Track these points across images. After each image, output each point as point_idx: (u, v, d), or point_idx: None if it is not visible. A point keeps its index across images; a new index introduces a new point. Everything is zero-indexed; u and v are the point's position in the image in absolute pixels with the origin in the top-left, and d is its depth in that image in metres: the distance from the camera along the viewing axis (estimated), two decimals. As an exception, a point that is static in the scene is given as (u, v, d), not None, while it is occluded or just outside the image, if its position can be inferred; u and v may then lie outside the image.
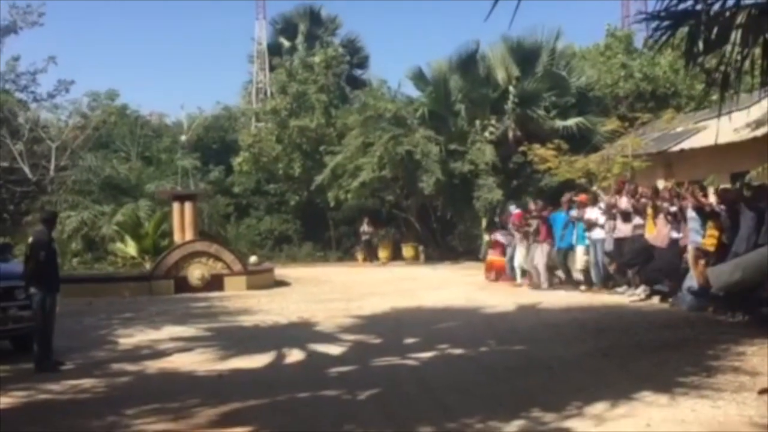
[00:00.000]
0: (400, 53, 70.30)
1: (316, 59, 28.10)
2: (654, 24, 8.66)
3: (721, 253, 10.06)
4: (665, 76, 26.71)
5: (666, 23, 8.54)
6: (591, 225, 14.06)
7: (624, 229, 13.20)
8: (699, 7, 8.08)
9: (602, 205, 14.24)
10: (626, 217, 13.19)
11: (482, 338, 9.43)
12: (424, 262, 24.53)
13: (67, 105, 27.21)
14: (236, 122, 36.99)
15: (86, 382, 7.53)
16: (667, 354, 7.98)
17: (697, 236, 10.86)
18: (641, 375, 7.01)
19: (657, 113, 23.75)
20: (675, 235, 11.71)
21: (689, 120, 19.92)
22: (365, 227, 26.15)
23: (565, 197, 15.41)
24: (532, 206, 16.38)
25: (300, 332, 10.45)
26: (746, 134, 16.08)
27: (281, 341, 9.49)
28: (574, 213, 14.69)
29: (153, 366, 8.39)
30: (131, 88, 76.58)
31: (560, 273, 15.16)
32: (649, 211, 12.53)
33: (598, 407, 5.93)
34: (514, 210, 16.85)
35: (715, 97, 24.22)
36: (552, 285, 14.95)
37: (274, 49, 41.29)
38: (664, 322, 10.11)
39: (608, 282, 14.01)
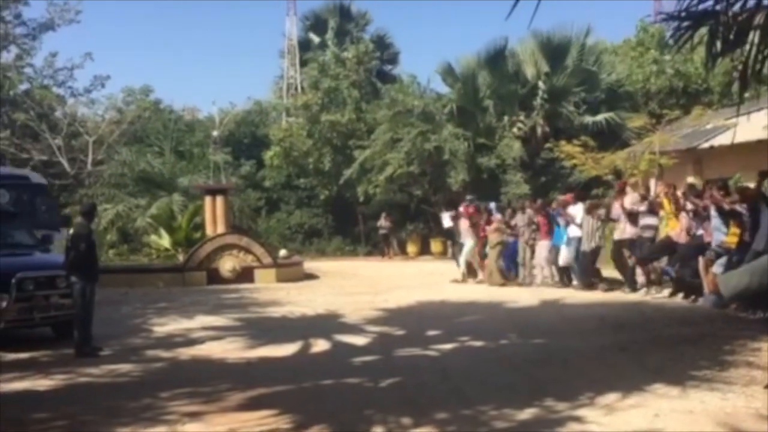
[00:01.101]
0: (430, 49, 70.46)
1: (349, 54, 28.40)
2: (675, 24, 8.82)
3: (743, 251, 10.19)
4: (697, 73, 26.51)
5: (686, 23, 8.66)
6: (570, 223, 14.14)
7: (630, 231, 13.19)
8: (719, 7, 8.21)
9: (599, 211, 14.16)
10: (633, 218, 13.19)
11: (503, 331, 9.67)
12: (452, 257, 24.70)
13: (104, 100, 27.96)
14: (267, 117, 37.48)
15: (123, 367, 7.93)
16: (684, 348, 8.16)
17: (721, 235, 10.98)
18: (655, 368, 7.20)
19: (688, 109, 23.68)
20: (698, 231, 11.80)
21: (720, 117, 19.83)
22: (383, 222, 26.35)
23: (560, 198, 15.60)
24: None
25: (326, 323, 10.77)
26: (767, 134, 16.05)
27: (308, 332, 9.82)
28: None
29: (186, 353, 8.77)
30: (164, 84, 77.96)
31: (554, 270, 15.10)
32: (669, 208, 12.60)
33: (610, 397, 6.15)
34: (493, 208, 16.76)
35: (746, 94, 23.95)
36: (545, 282, 14.98)
37: (304, 45, 41.69)
38: (684, 318, 10.27)
39: (591, 281, 14.00)
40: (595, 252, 13.99)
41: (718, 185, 11.99)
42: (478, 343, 8.91)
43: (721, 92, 26.27)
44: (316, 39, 40.81)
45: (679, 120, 20.65)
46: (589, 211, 13.89)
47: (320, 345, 9.10)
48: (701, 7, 8.50)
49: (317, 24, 40.54)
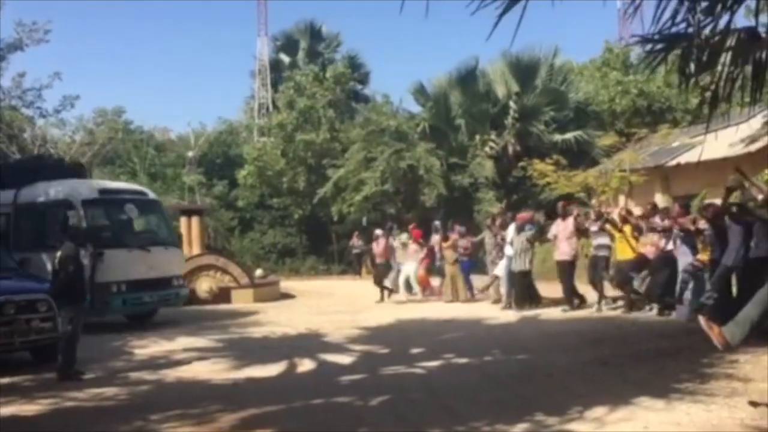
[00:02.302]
0: (400, 69, 71.15)
1: (327, 75, 28.61)
2: (648, 46, 9.09)
3: (714, 267, 10.48)
4: (660, 92, 27.17)
5: (659, 46, 8.93)
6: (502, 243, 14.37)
7: (567, 252, 13.38)
8: (691, 30, 8.48)
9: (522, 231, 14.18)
10: (571, 239, 13.44)
11: (485, 348, 9.78)
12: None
13: (74, 121, 27.66)
14: (237, 137, 37.45)
15: (108, 390, 7.87)
16: (664, 362, 8.34)
17: (688, 257, 11.24)
18: (639, 382, 7.35)
19: (653, 128, 24.25)
20: (667, 246, 12.01)
21: (686, 135, 20.33)
22: (354, 241, 26.42)
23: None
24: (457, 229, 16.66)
25: (309, 343, 10.79)
26: (740, 149, 16.51)
27: (292, 351, 9.83)
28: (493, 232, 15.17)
29: (170, 375, 8.74)
30: (134, 104, 77.38)
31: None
32: (626, 229, 12.79)
33: (598, 411, 6.27)
34: (459, 230, 16.70)
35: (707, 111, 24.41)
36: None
37: (275, 65, 41.87)
38: (662, 332, 10.45)
39: (524, 301, 13.92)
40: (526, 274, 13.90)
41: (680, 205, 12.26)
42: (463, 360, 9.01)
43: (686, 110, 26.94)
44: (286, 59, 40.99)
45: (647, 138, 21.11)
46: (519, 230, 13.92)
47: (305, 364, 9.13)
48: (674, 29, 8.79)
49: (288, 44, 40.74)
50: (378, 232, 18.14)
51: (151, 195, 15.46)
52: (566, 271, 13.53)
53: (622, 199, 19.52)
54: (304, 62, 38.67)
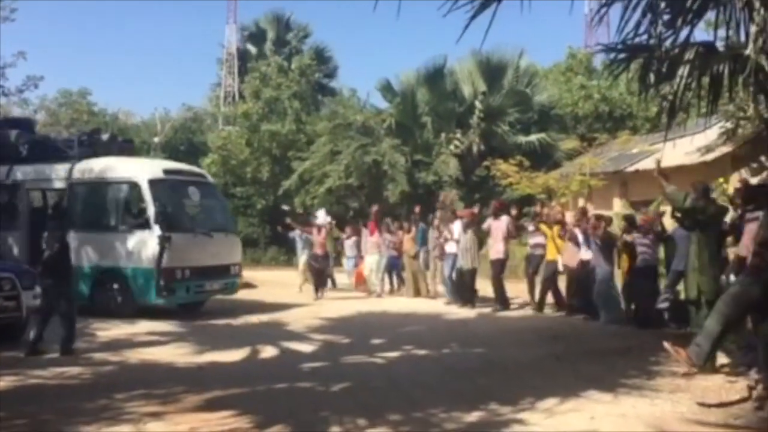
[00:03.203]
0: (368, 64, 71.26)
1: (292, 66, 28.64)
2: (612, 55, 9.43)
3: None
4: (622, 98, 27.84)
5: (622, 55, 9.26)
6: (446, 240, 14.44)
7: (500, 251, 13.52)
8: (652, 41, 8.81)
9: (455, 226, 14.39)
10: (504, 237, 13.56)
11: (444, 341, 10.04)
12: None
13: (36, 101, 27.27)
14: (202, 124, 37.28)
15: (72, 370, 7.96)
16: (614, 359, 8.69)
17: (603, 267, 11.65)
18: (589, 377, 7.68)
19: (614, 134, 24.89)
20: (585, 256, 12.20)
21: (645, 142, 20.90)
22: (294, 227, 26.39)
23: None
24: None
25: (271, 331, 10.95)
26: (696, 158, 17.07)
27: (254, 339, 9.97)
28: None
29: (133, 357, 8.85)
30: (100, 87, 76.19)
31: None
32: (553, 232, 13.07)
33: (549, 402, 6.58)
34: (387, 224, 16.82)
35: (666, 120, 25.08)
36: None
37: (243, 54, 41.76)
38: (614, 332, 10.81)
39: (463, 297, 14.03)
40: (473, 272, 13.92)
41: (596, 216, 12.50)
42: (422, 352, 9.26)
43: (646, 118, 27.63)
44: (254, 49, 40.90)
45: (608, 144, 21.65)
46: (466, 227, 13.95)
47: (268, 351, 9.31)
48: (636, 40, 9.12)
49: (256, 34, 40.66)
50: (320, 219, 17.35)
51: (210, 178, 14.96)
52: (498, 270, 13.64)
53: (581, 202, 19.98)
54: (271, 52, 38.63)
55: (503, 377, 7.78)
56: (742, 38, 8.10)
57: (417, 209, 16.62)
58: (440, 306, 14.28)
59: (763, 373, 6.23)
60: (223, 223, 13.72)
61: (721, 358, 7.86)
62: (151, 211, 11.83)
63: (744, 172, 15.93)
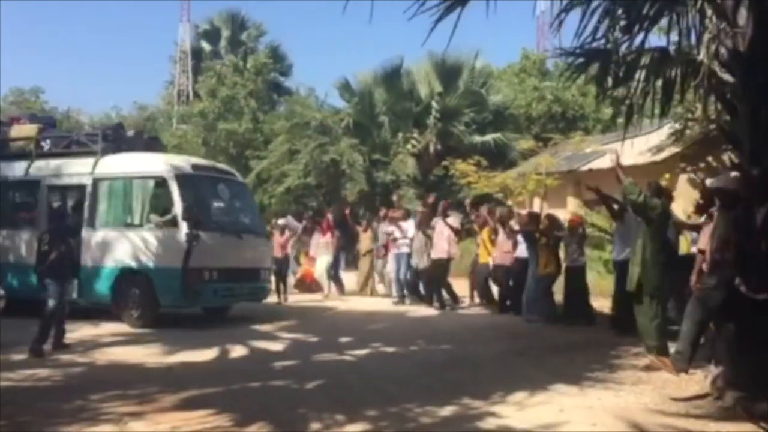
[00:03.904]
0: (324, 63, 71.22)
1: (248, 65, 28.54)
2: (570, 59, 9.74)
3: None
4: (574, 100, 28.48)
5: (580, 60, 9.56)
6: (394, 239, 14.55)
7: (445, 250, 13.53)
8: (609, 46, 9.12)
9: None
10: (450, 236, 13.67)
11: (410, 338, 10.24)
12: (345, 268, 25.22)
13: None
14: (155, 123, 36.86)
15: (41, 372, 7.89)
16: (575, 354, 9.00)
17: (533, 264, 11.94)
18: (553, 370, 7.96)
19: (567, 134, 25.46)
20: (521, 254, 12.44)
21: (597, 142, 21.44)
22: None
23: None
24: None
25: (238, 330, 10.97)
26: (648, 158, 17.61)
27: (222, 338, 9.98)
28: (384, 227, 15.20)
29: (101, 358, 8.79)
30: (53, 86, 74.58)
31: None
32: (484, 232, 13.34)
33: (518, 396, 6.82)
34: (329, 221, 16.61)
35: (621, 121, 25.81)
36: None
37: (197, 53, 41.42)
38: (572, 328, 11.12)
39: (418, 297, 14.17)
40: (431, 270, 13.85)
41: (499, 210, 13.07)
42: (390, 349, 9.44)
43: (597, 119, 28.33)
44: (208, 47, 40.61)
45: (562, 144, 22.15)
46: (419, 226, 14.00)
47: (237, 351, 9.36)
48: (594, 44, 9.43)
49: (210, 32, 40.39)
50: (281, 221, 16.99)
51: (239, 177, 14.35)
52: (446, 269, 13.77)
53: (537, 201, 20.41)
54: (226, 51, 38.44)
55: (471, 372, 8.00)
56: (694, 42, 8.49)
57: (384, 212, 16.37)
58: (394, 306, 14.35)
59: (722, 367, 6.55)
60: (253, 225, 13.07)
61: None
62: (178, 208, 11.17)
63: (691, 171, 16.50)
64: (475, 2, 8.44)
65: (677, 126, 16.70)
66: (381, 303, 14.75)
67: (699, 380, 7.17)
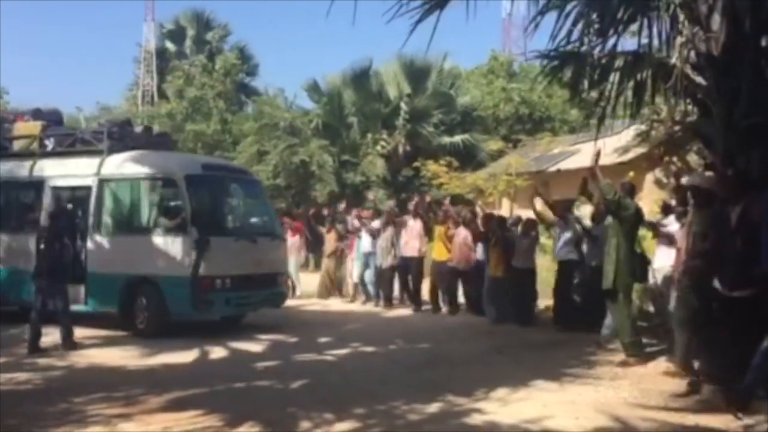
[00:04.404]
0: (291, 63, 71.00)
1: (217, 65, 28.36)
2: (545, 62, 9.92)
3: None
4: (541, 101, 28.84)
5: (555, 62, 9.74)
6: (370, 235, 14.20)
7: (416, 248, 13.43)
8: (583, 49, 9.31)
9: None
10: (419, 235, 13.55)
11: (388, 338, 10.31)
12: (314, 270, 25.23)
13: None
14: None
15: (20, 376, 7.81)
16: (552, 351, 9.18)
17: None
18: (532, 367, 8.12)
19: (534, 135, 25.83)
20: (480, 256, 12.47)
21: (566, 143, 21.77)
22: None
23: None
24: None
25: (216, 331, 10.87)
26: (614, 159, 17.93)
27: (200, 339, 9.93)
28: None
29: (80, 361, 8.73)
30: (14, 86, 73.22)
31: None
32: (441, 229, 13.19)
33: (501, 392, 6.96)
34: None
35: (590, 122, 26.31)
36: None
37: (161, 53, 40.98)
38: (544, 326, 11.25)
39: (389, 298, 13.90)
40: (394, 270, 13.78)
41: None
42: (369, 348, 9.52)
43: (563, 120, 28.74)
44: (173, 47, 40.21)
45: (531, 145, 22.46)
46: (386, 225, 13.82)
47: (217, 352, 9.36)
48: (569, 47, 9.61)
49: (175, 32, 39.97)
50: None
51: (255, 176, 13.51)
52: (418, 268, 13.61)
53: (506, 201, 20.67)
54: (191, 51, 38.11)
55: (452, 370, 8.12)
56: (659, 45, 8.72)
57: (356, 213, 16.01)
58: (368, 306, 14.26)
59: (698, 361, 6.77)
60: (269, 227, 12.16)
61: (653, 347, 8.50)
62: (187, 211, 10.39)
63: (657, 172, 16.87)
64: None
65: (643, 127, 17.04)
66: (352, 304, 14.75)
67: (674, 374, 7.37)
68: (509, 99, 28.48)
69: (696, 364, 6.95)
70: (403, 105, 25.53)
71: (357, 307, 14.22)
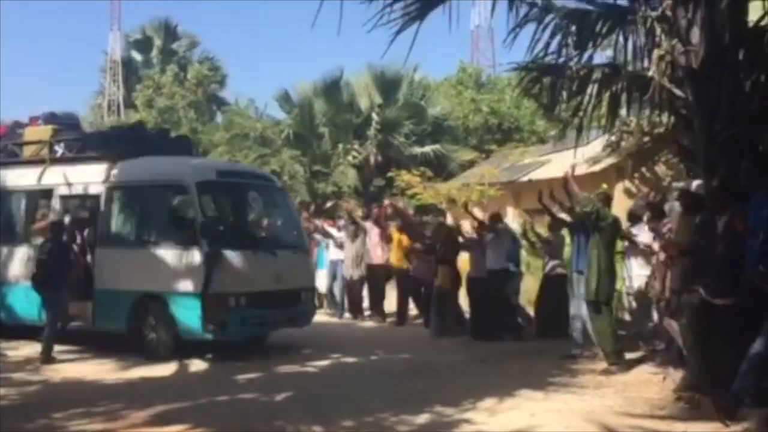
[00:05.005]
0: (259, 73, 70.74)
1: (189, 76, 28.10)
2: (523, 74, 10.02)
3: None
4: (509, 112, 29.11)
5: (533, 74, 9.83)
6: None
7: (380, 256, 13.31)
8: (561, 61, 9.41)
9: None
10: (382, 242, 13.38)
11: (368, 347, 10.27)
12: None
13: None
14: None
15: (-5, 391, 7.62)
16: (533, 360, 9.18)
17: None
18: (516, 376, 8.12)
19: (503, 145, 26.05)
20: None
21: (539, 153, 21.95)
22: None
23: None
24: None
25: (191, 343, 10.65)
26: (584, 169, 18.13)
27: (177, 352, 9.64)
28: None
29: (55, 376, 8.52)
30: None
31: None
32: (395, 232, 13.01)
33: (488, 402, 6.96)
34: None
35: (553, 132, 26.60)
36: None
37: (127, 63, 40.59)
38: (520, 335, 11.29)
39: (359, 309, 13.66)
40: (363, 280, 13.54)
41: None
42: (351, 359, 9.47)
43: (532, 131, 29.04)
44: (139, 56, 39.85)
45: (503, 155, 22.60)
46: (355, 236, 13.45)
47: (196, 364, 9.21)
48: (547, 59, 9.71)
49: (142, 42, 39.60)
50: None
51: (277, 182, 12.42)
52: (381, 277, 13.48)
53: (478, 211, 20.70)
54: (158, 60, 37.78)
55: (437, 380, 8.11)
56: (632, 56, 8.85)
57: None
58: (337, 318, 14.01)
59: (683, 369, 6.86)
60: (292, 238, 11.15)
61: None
62: (198, 221, 9.45)
63: (627, 182, 17.09)
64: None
65: (613, 138, 17.28)
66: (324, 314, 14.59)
67: (657, 381, 7.47)
68: (478, 110, 28.68)
69: (677, 373, 7.03)
70: (374, 115, 25.52)
71: (328, 317, 14.05)
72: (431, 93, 28.62)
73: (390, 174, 22.60)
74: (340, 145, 25.43)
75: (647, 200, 10.23)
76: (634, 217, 9.99)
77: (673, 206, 8.26)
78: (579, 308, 9.06)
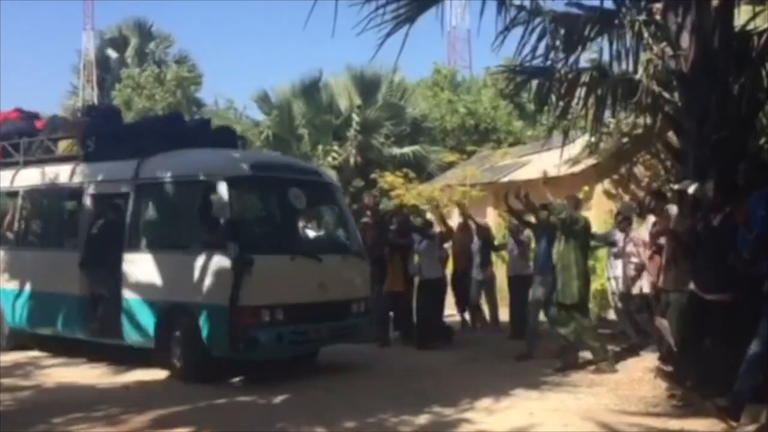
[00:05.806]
0: (236, 75, 70.34)
1: (168, 77, 27.88)
2: (511, 76, 10.15)
3: None
4: (486, 113, 29.35)
5: (521, 77, 9.96)
6: None
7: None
8: (548, 64, 9.55)
9: None
10: None
11: (360, 348, 10.29)
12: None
13: None
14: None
15: (-10, 397, 7.55)
16: (524, 360, 9.31)
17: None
18: (510, 376, 8.21)
19: (480, 146, 26.28)
20: None
21: (520, 154, 22.17)
22: None
23: None
24: None
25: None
26: (565, 170, 18.33)
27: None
28: None
29: (48, 380, 8.43)
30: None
31: None
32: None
33: (485, 402, 7.06)
34: None
35: (529, 133, 26.76)
36: None
37: (102, 62, 40.19)
38: (505, 334, 11.38)
39: None
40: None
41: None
42: (344, 360, 9.48)
43: (508, 132, 29.32)
44: (114, 55, 39.46)
45: (488, 156, 22.80)
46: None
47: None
48: (534, 62, 9.85)
49: (116, 41, 39.25)
50: None
51: (327, 177, 11.02)
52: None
53: (455, 213, 20.84)
54: (133, 60, 37.46)
55: (433, 381, 8.16)
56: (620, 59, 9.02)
57: None
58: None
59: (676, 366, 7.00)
60: (342, 241, 9.92)
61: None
62: (227, 222, 8.27)
63: (606, 183, 17.31)
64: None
65: (592, 139, 17.49)
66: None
67: (649, 380, 7.61)
68: (455, 111, 28.88)
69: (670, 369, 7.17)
70: (354, 116, 25.53)
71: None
72: (409, 95, 28.75)
73: (373, 175, 22.65)
74: (320, 147, 25.41)
75: (649, 190, 10.43)
76: (622, 218, 10.16)
77: (670, 208, 8.40)
78: (536, 308, 9.53)
